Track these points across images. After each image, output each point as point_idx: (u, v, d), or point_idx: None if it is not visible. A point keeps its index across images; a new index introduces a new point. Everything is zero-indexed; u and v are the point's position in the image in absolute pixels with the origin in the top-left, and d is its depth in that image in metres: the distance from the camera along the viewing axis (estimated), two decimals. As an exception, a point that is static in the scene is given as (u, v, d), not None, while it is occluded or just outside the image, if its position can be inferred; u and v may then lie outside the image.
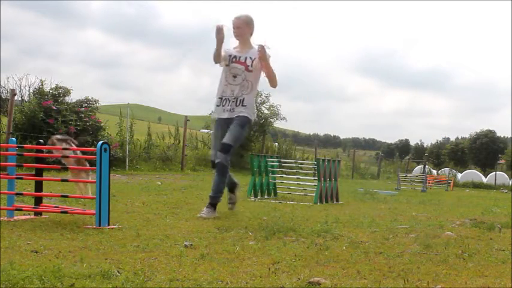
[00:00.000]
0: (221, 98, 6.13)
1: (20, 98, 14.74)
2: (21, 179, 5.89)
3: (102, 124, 14.16)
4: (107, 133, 14.54)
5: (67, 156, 6.02)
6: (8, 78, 18.96)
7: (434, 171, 28.43)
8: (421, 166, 26.75)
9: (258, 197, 9.03)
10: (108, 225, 4.85)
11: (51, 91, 13.83)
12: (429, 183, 18.28)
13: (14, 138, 5.94)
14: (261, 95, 19.76)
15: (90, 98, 14.88)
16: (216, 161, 6.01)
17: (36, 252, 3.57)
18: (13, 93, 11.94)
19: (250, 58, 6.06)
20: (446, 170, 26.13)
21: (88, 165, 6.13)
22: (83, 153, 6.33)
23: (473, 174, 25.52)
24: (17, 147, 5.77)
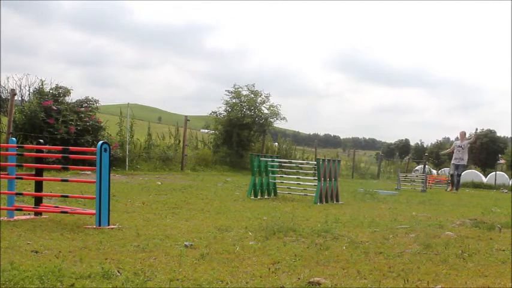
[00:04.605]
0: None
1: (20, 98, 14.73)
2: (21, 179, 5.89)
3: (102, 124, 14.15)
4: (107, 133, 14.53)
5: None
6: (8, 78, 19.01)
7: (434, 171, 28.41)
8: (421, 166, 26.72)
9: (258, 197, 9.03)
10: (108, 225, 4.86)
11: (51, 91, 13.82)
12: (429, 183, 18.23)
13: (14, 138, 5.94)
14: (261, 95, 19.76)
15: (90, 98, 14.88)
16: None
17: (36, 252, 3.57)
18: (13, 93, 11.94)
19: None
20: (447, 170, 26.10)
21: None
22: (83, 153, 6.34)
23: (473, 174, 25.50)
24: (17, 147, 5.77)
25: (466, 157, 15.17)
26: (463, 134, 15.57)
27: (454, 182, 15.33)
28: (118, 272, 3.06)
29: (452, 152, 15.40)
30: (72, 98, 14.34)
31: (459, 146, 15.15)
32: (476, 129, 15.07)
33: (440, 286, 3.09)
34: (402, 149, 56.64)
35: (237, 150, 18.88)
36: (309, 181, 10.13)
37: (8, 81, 14.77)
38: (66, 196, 5.79)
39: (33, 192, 5.66)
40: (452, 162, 15.42)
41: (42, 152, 5.68)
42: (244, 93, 19.78)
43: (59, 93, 13.98)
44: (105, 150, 4.87)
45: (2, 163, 5.61)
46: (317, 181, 8.74)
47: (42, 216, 5.36)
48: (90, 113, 14.14)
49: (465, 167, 15.82)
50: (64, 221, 5.13)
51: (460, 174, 15.39)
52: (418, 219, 6.62)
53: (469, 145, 15.38)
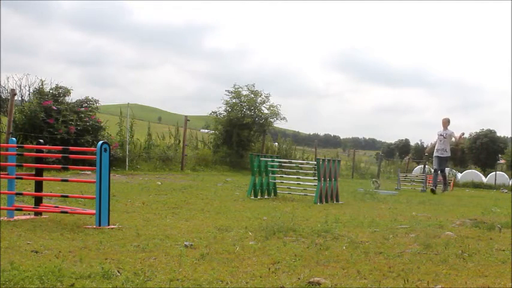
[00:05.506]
0: None
1: (20, 98, 14.73)
2: (21, 179, 5.89)
3: (102, 124, 14.15)
4: (107, 133, 14.53)
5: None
6: (8, 78, 18.99)
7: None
8: (421, 166, 26.71)
9: (258, 197, 9.03)
10: (108, 225, 4.85)
11: (51, 91, 13.82)
12: (429, 183, 18.18)
13: (14, 138, 5.94)
14: (261, 95, 19.77)
15: (90, 98, 14.89)
16: None
17: (36, 252, 3.57)
18: (13, 93, 11.93)
19: None
20: (447, 170, 26.05)
21: None
22: (83, 153, 6.33)
23: (473, 174, 25.50)
24: (17, 147, 5.77)
25: (449, 148, 13.04)
26: (445, 121, 13.24)
27: (436, 180, 13.28)
28: (118, 272, 3.06)
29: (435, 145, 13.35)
30: (72, 98, 14.35)
31: (441, 135, 13.03)
32: (463, 133, 11.73)
33: (440, 286, 3.09)
34: (402, 149, 56.63)
35: (237, 150, 18.88)
36: (309, 181, 10.13)
37: (8, 81, 14.75)
38: (66, 196, 5.79)
39: (33, 192, 5.66)
40: (434, 154, 13.19)
41: (42, 152, 5.68)
42: (244, 93, 19.79)
43: (59, 93, 13.98)
44: (105, 150, 4.87)
45: (2, 163, 5.61)
46: (317, 181, 8.73)
47: (42, 216, 5.36)
48: (90, 113, 14.14)
49: (449, 160, 13.39)
50: (64, 221, 5.13)
51: (444, 170, 13.40)
52: (418, 219, 6.62)
53: (452, 137, 13.16)
